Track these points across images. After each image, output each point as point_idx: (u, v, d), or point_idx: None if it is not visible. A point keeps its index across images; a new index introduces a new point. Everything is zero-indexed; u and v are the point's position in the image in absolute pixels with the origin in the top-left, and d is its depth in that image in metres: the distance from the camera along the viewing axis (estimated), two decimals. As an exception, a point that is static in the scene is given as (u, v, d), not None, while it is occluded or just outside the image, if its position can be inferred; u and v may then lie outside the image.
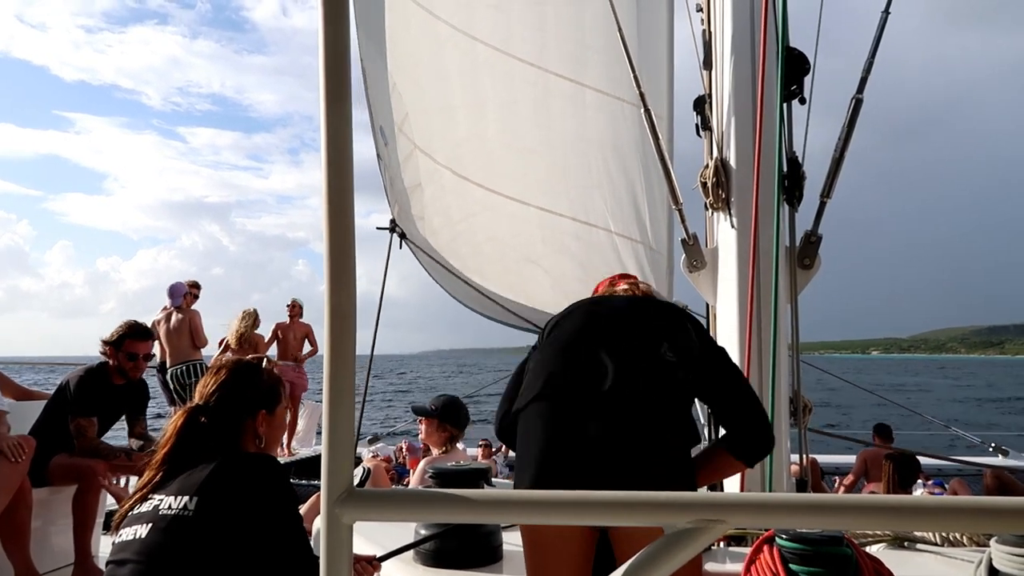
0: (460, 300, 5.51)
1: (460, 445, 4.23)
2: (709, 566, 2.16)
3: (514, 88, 4.78)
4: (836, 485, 7.44)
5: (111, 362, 4.11)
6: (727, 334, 2.92)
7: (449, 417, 4.01)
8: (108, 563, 1.87)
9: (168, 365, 7.87)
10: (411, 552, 2.36)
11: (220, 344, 8.75)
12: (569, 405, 1.95)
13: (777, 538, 1.73)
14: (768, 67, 2.80)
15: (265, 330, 8.90)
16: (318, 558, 0.81)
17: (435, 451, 4.10)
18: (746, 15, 2.98)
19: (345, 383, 0.79)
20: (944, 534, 2.40)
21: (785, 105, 2.87)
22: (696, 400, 2.27)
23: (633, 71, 3.21)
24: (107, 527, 4.15)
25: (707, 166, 3.03)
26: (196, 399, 2.15)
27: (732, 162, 2.97)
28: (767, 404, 2.67)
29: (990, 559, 1.75)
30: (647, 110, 3.19)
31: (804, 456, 3.03)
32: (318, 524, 2.70)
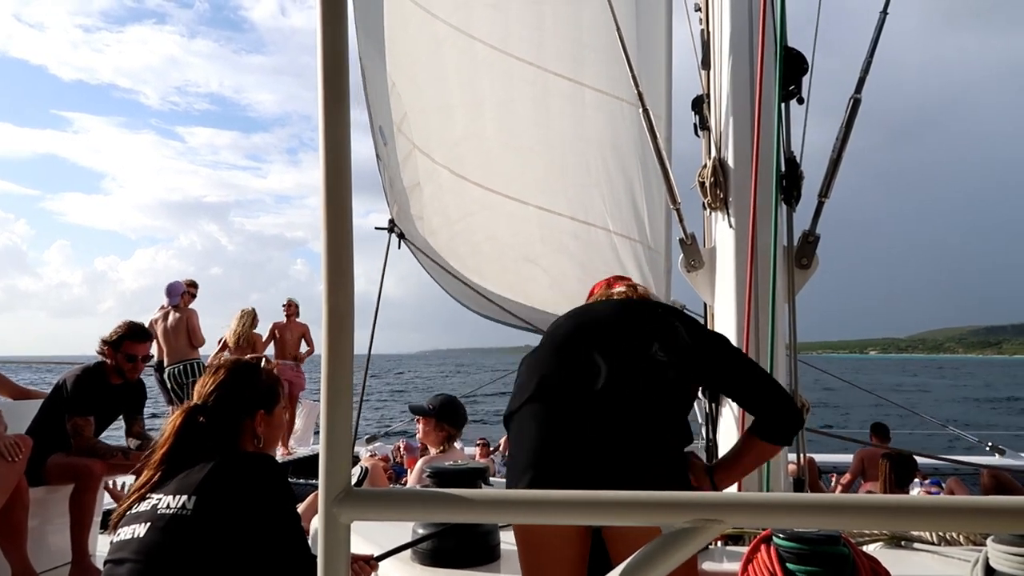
0: (458, 300, 5.51)
1: (458, 444, 4.23)
2: (707, 565, 2.17)
3: (512, 87, 4.78)
4: (833, 484, 7.45)
5: (109, 362, 4.11)
6: (725, 333, 2.92)
7: (447, 416, 4.00)
8: (106, 562, 1.87)
9: (166, 364, 7.86)
10: (409, 551, 2.36)
11: (219, 343, 8.75)
12: (563, 406, 1.96)
13: (774, 537, 1.73)
14: (766, 67, 2.81)
15: (262, 330, 8.90)
16: (316, 557, 0.81)
17: (433, 450, 4.10)
18: (744, 15, 2.99)
19: (343, 383, 0.79)
20: (941, 533, 2.40)
21: (783, 105, 2.87)
22: (694, 400, 2.28)
23: (631, 70, 3.21)
24: (104, 526, 4.15)
25: (705, 166, 3.03)
26: (194, 399, 2.15)
27: (730, 162, 2.97)
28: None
29: (987, 558, 1.76)
30: (645, 110, 3.19)
31: (801, 455, 3.03)
32: (316, 523, 2.70)
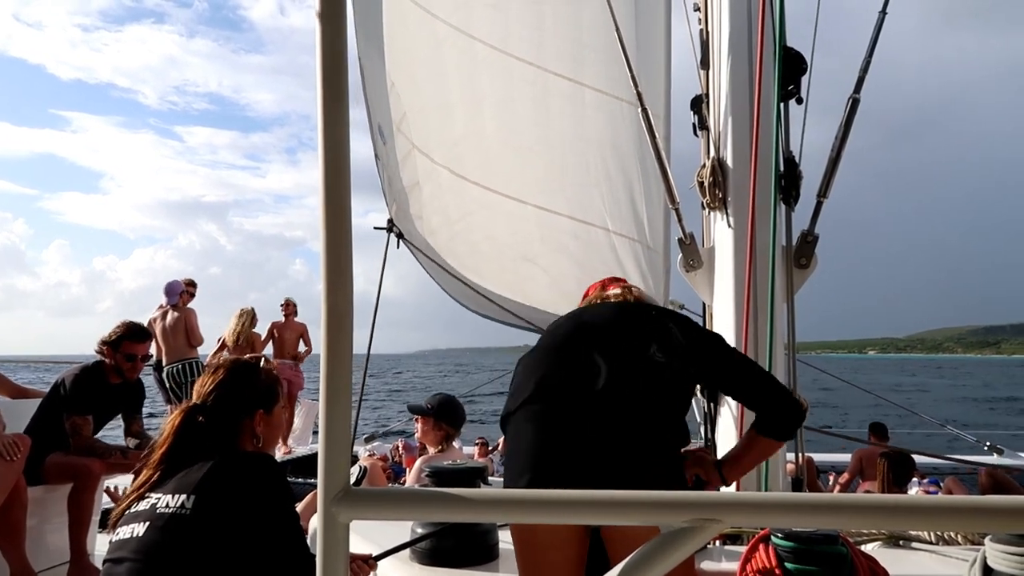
0: (457, 299, 5.51)
1: (456, 444, 4.23)
2: (705, 565, 2.17)
3: (512, 87, 4.78)
4: (831, 483, 7.45)
5: (108, 361, 4.11)
6: (723, 333, 2.92)
7: (445, 416, 4.01)
8: (105, 561, 1.87)
9: (164, 364, 7.86)
10: (407, 551, 2.36)
11: (218, 342, 8.75)
12: (562, 407, 1.96)
13: (773, 537, 1.73)
14: (765, 67, 2.81)
15: (260, 329, 8.90)
16: (315, 556, 0.81)
17: (431, 450, 4.10)
18: (743, 15, 2.99)
19: (342, 382, 0.79)
20: (939, 533, 2.40)
21: (782, 105, 2.88)
22: (691, 400, 2.29)
23: (630, 70, 3.21)
24: (103, 525, 4.15)
25: (704, 166, 3.03)
26: (194, 398, 2.15)
27: (729, 162, 2.97)
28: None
29: (984, 557, 1.76)
30: (644, 109, 3.19)
31: (800, 455, 3.03)
32: (314, 522, 2.70)
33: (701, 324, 3.29)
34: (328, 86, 0.78)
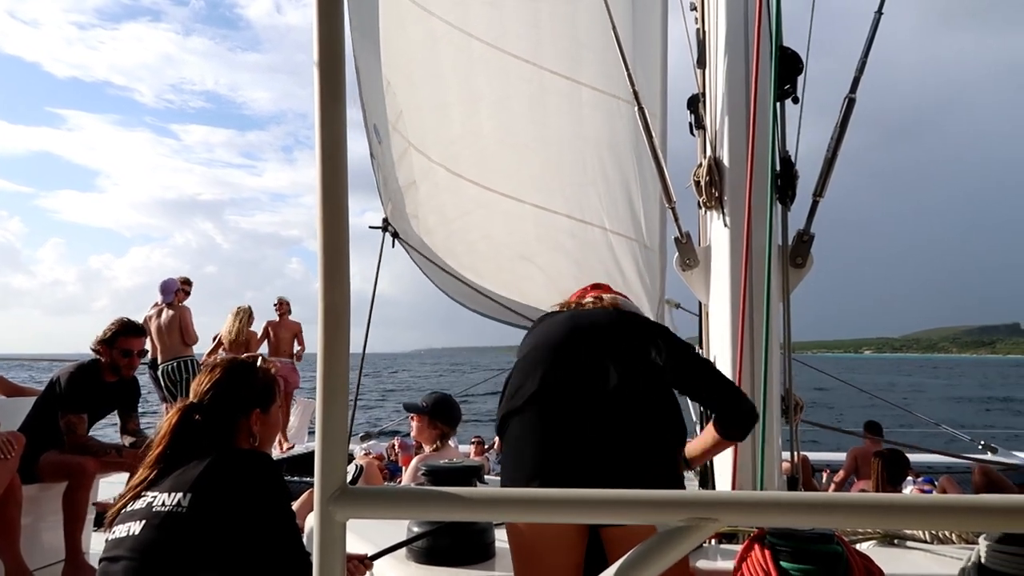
0: (455, 298, 5.51)
1: (452, 442, 4.24)
2: (700, 564, 2.17)
3: (509, 85, 4.77)
4: (825, 482, 7.48)
5: (103, 359, 4.10)
6: (720, 332, 2.93)
7: (440, 414, 4.01)
8: (101, 560, 1.87)
9: (159, 362, 7.85)
10: (404, 549, 2.36)
11: (213, 340, 8.74)
12: (574, 407, 1.95)
13: (768, 536, 1.74)
14: (761, 66, 2.81)
15: (255, 328, 8.91)
16: (311, 555, 0.81)
17: (427, 448, 4.10)
18: (740, 14, 2.99)
19: (339, 381, 0.79)
20: (933, 532, 2.41)
21: (778, 104, 2.88)
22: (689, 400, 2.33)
23: (627, 69, 3.21)
24: (98, 524, 4.14)
25: (700, 165, 3.03)
26: (191, 397, 2.15)
27: (725, 161, 2.98)
28: (759, 402, 2.68)
29: (979, 556, 1.77)
30: (641, 108, 3.20)
31: (795, 454, 3.04)
32: (310, 521, 2.70)
33: (698, 323, 3.30)
34: (325, 84, 0.78)
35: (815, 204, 2.93)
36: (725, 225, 2.94)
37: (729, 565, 1.84)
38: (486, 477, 4.83)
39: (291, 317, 9.36)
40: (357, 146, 5.03)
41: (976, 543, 1.83)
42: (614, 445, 1.89)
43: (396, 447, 8.04)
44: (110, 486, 4.43)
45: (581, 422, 1.92)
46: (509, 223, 5.10)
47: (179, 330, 7.84)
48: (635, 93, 3.20)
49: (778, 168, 2.85)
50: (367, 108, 5.04)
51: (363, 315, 5.22)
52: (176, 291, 8.01)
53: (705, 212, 3.12)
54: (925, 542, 2.41)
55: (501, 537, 2.42)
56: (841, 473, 7.23)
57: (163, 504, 1.85)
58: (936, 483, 6.36)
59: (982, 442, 7.90)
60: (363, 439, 8.35)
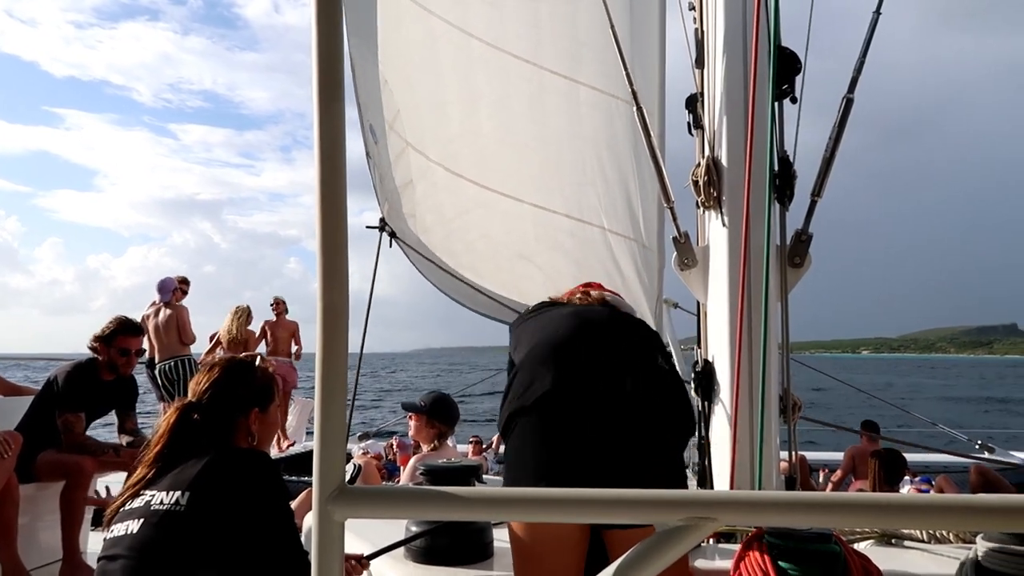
0: (453, 297, 5.50)
1: (450, 442, 4.24)
2: (699, 563, 2.17)
3: (508, 84, 4.77)
4: (822, 481, 7.49)
5: (101, 358, 4.09)
6: (718, 331, 2.93)
7: (438, 414, 4.01)
8: (99, 559, 1.87)
9: (156, 361, 7.84)
10: (402, 549, 2.36)
11: (211, 339, 8.74)
12: (587, 410, 1.92)
13: (766, 535, 1.74)
14: (760, 66, 2.81)
15: (253, 328, 8.92)
16: (309, 554, 0.81)
17: (425, 448, 4.11)
18: (738, 14, 2.99)
19: (337, 380, 0.79)
20: (931, 531, 2.41)
21: (776, 104, 2.88)
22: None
23: (625, 69, 3.21)
24: (95, 523, 4.14)
25: (699, 164, 3.03)
26: (189, 396, 2.15)
27: (724, 160, 2.98)
28: (757, 401, 2.69)
29: (976, 556, 1.77)
30: (639, 108, 3.20)
31: (793, 453, 3.04)
32: (308, 521, 2.70)
33: (696, 323, 3.31)
34: (324, 84, 0.78)
35: (813, 204, 2.93)
36: (723, 225, 2.94)
37: (727, 564, 1.84)
38: (484, 477, 4.84)
39: (288, 316, 9.37)
40: (355, 146, 5.02)
41: (973, 543, 1.83)
42: (630, 449, 1.89)
43: (394, 446, 8.05)
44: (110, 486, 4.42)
45: (596, 426, 1.89)
46: (508, 222, 5.10)
47: (176, 329, 7.83)
48: (633, 93, 3.20)
49: (776, 168, 2.86)
50: (363, 107, 5.04)
51: (361, 315, 5.22)
52: (174, 290, 8.01)
53: (703, 212, 3.12)
54: (923, 541, 2.41)
55: (499, 537, 2.42)
56: (839, 472, 7.24)
57: (162, 503, 1.85)
58: (933, 483, 6.38)
59: (979, 442, 7.91)
60: (361, 438, 8.35)
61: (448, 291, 5.48)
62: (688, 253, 3.10)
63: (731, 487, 2.72)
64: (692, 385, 2.94)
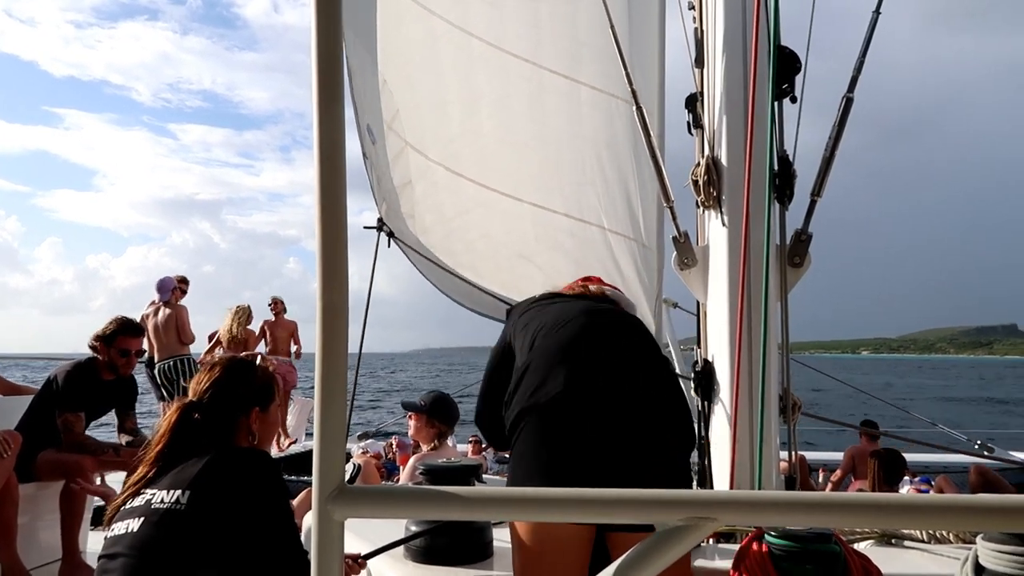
0: (452, 297, 5.51)
1: (450, 441, 4.24)
2: (698, 563, 2.17)
3: (509, 84, 4.77)
4: (821, 481, 7.50)
5: (101, 358, 4.09)
6: (717, 331, 2.93)
7: (438, 413, 4.01)
8: (100, 557, 1.87)
9: (156, 360, 7.84)
10: (401, 549, 2.36)
11: (209, 339, 8.74)
12: (603, 412, 1.91)
13: (766, 535, 1.74)
14: (760, 65, 2.81)
15: (252, 327, 8.92)
16: (308, 553, 0.81)
17: (425, 447, 4.11)
18: (738, 14, 2.99)
19: (337, 380, 0.79)
20: (931, 531, 2.42)
21: (776, 104, 2.88)
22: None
23: (625, 68, 3.21)
24: (95, 522, 4.14)
25: (698, 164, 3.03)
26: (190, 395, 2.15)
27: (723, 160, 2.98)
28: (756, 401, 2.69)
29: (976, 556, 1.77)
30: (639, 107, 3.20)
31: (793, 453, 3.04)
32: (308, 520, 2.70)
33: (696, 322, 3.31)
34: (323, 84, 0.78)
35: (813, 203, 2.93)
36: (723, 224, 2.94)
37: (727, 564, 1.84)
38: (484, 476, 4.84)
39: (287, 316, 9.38)
40: (353, 146, 5.03)
41: (973, 543, 1.83)
42: (640, 453, 1.88)
43: (394, 446, 8.04)
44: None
45: (607, 429, 1.88)
46: (508, 222, 5.10)
47: (176, 329, 7.83)
48: (633, 92, 3.20)
49: (776, 167, 2.85)
50: (359, 108, 5.03)
51: (359, 315, 5.22)
52: (173, 289, 8.00)
53: (703, 211, 3.12)
54: (923, 542, 2.41)
55: (499, 537, 2.42)
56: (838, 472, 7.24)
57: (162, 501, 1.85)
58: (933, 483, 6.38)
59: (978, 442, 7.91)
60: (361, 438, 8.35)
61: (447, 290, 5.48)
62: (688, 253, 3.10)
63: (731, 487, 2.72)
64: (692, 385, 2.94)
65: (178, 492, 1.85)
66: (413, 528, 2.37)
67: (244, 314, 8.61)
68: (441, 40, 4.76)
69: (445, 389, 4.68)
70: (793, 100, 2.98)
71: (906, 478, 6.11)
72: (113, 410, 4.33)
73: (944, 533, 2.43)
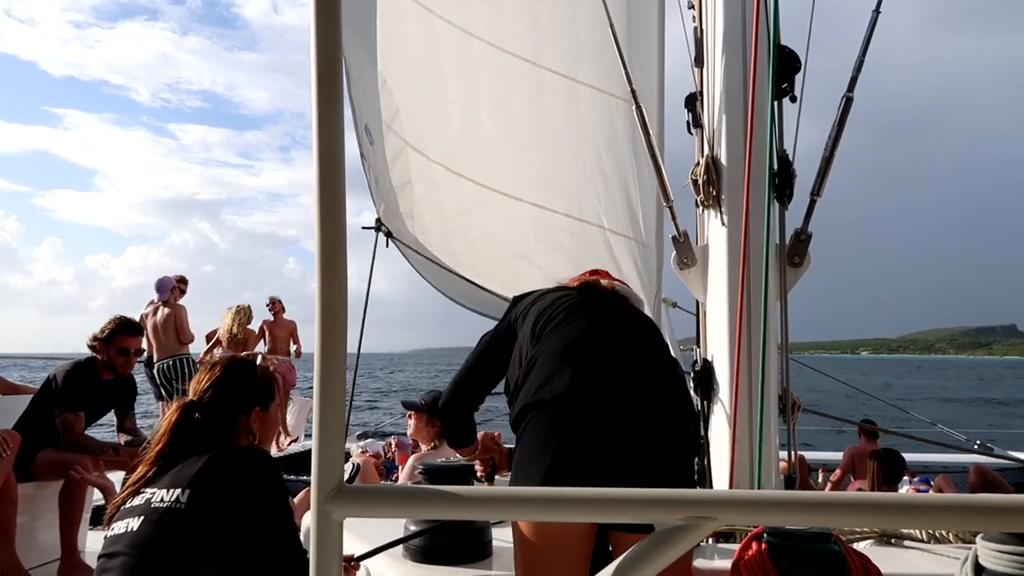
0: (451, 296, 5.51)
1: (450, 441, 4.23)
2: (698, 562, 2.17)
3: (509, 84, 4.77)
4: (820, 480, 7.49)
5: (100, 357, 4.09)
6: (717, 331, 2.93)
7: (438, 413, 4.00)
8: (100, 556, 1.87)
9: (155, 360, 7.84)
10: (400, 548, 2.36)
11: (208, 338, 8.73)
12: (612, 410, 1.90)
13: (765, 535, 1.74)
14: (759, 65, 2.81)
15: (252, 327, 8.92)
16: (308, 552, 0.81)
17: (424, 447, 4.10)
18: (737, 13, 2.99)
19: (336, 380, 0.79)
20: (930, 531, 2.42)
21: (776, 103, 2.88)
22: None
23: (624, 68, 3.21)
24: (94, 522, 4.14)
25: (698, 163, 3.03)
26: (190, 395, 2.15)
27: (723, 159, 2.98)
28: (756, 401, 2.69)
29: (976, 556, 1.77)
30: (639, 107, 3.19)
31: (792, 453, 3.04)
32: (307, 520, 2.69)
33: (695, 322, 3.32)
34: (323, 85, 0.78)
35: (812, 203, 2.93)
36: (723, 224, 2.94)
37: (727, 564, 1.84)
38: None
39: (286, 316, 9.37)
40: (352, 146, 5.02)
41: (973, 543, 1.83)
42: (646, 451, 1.88)
43: (393, 445, 8.04)
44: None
45: (613, 427, 1.87)
46: (508, 222, 5.10)
47: (175, 328, 7.83)
48: (633, 92, 3.20)
49: (776, 167, 2.85)
50: (357, 108, 5.03)
51: (358, 315, 5.22)
52: (172, 289, 8.00)
53: (703, 211, 3.12)
54: (922, 541, 2.41)
55: (498, 536, 2.42)
56: (838, 472, 7.24)
57: (162, 500, 1.85)
58: (932, 483, 6.38)
59: (978, 442, 7.91)
60: (360, 438, 8.34)
61: (446, 290, 5.48)
62: (687, 252, 3.10)
63: (730, 486, 2.72)
64: (692, 384, 2.94)
65: (178, 491, 1.85)
66: (412, 528, 2.37)
67: (244, 314, 8.61)
68: (441, 40, 4.76)
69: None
70: (793, 100, 2.97)
71: (905, 478, 6.11)
72: (112, 410, 4.33)
73: (944, 533, 2.43)
